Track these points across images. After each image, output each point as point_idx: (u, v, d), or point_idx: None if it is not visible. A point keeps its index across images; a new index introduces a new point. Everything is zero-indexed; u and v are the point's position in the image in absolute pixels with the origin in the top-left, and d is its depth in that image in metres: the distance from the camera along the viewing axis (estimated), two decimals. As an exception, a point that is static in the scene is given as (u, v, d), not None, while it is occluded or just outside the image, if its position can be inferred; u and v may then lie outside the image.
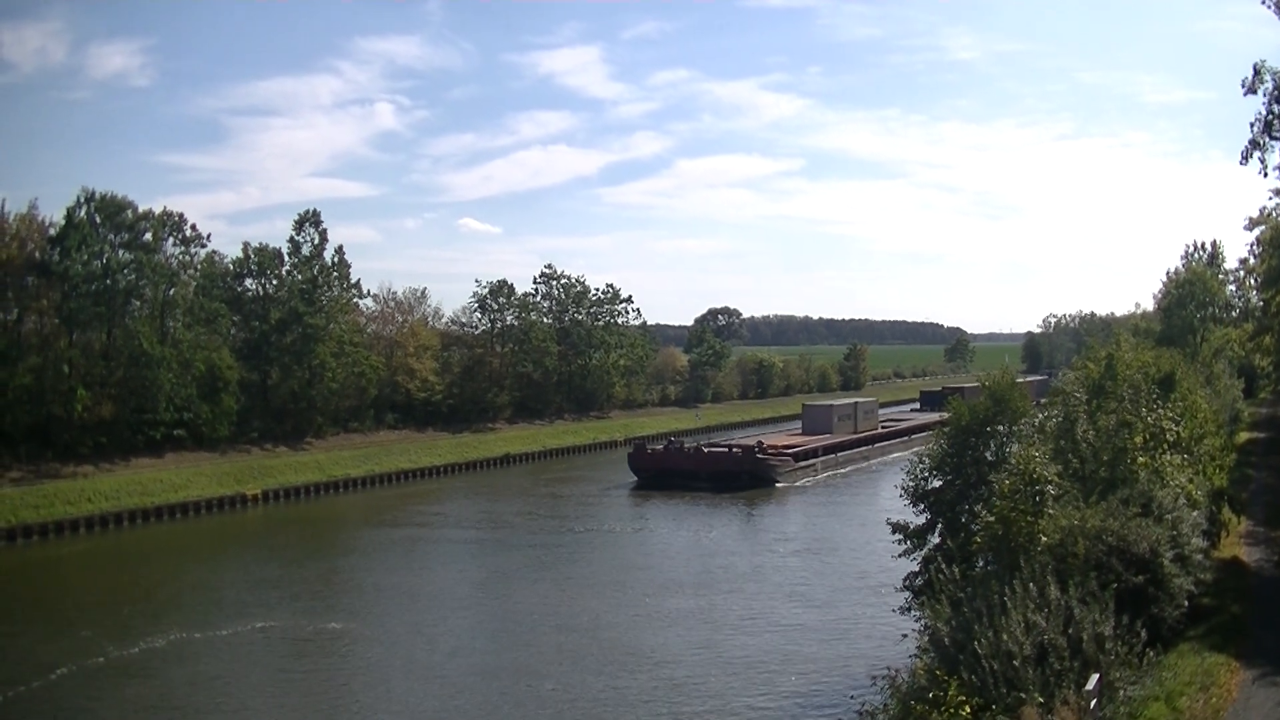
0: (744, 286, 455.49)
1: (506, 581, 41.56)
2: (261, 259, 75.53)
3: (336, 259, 79.20)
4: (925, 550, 24.86)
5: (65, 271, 59.62)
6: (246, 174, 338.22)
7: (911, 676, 15.90)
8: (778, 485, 66.18)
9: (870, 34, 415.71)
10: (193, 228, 67.62)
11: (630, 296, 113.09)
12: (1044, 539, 17.31)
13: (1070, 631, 14.50)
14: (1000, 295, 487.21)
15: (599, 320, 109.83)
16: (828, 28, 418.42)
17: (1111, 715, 14.12)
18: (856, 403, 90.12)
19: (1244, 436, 55.85)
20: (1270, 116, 24.84)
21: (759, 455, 67.63)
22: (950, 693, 13.39)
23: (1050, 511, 18.11)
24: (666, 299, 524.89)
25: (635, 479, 69.08)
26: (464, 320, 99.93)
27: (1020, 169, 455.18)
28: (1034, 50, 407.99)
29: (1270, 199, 45.93)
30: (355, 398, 79.07)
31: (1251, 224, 55.32)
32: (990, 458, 24.49)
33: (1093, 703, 13.37)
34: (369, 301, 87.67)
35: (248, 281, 75.83)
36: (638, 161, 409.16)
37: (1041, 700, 13.35)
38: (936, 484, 25.41)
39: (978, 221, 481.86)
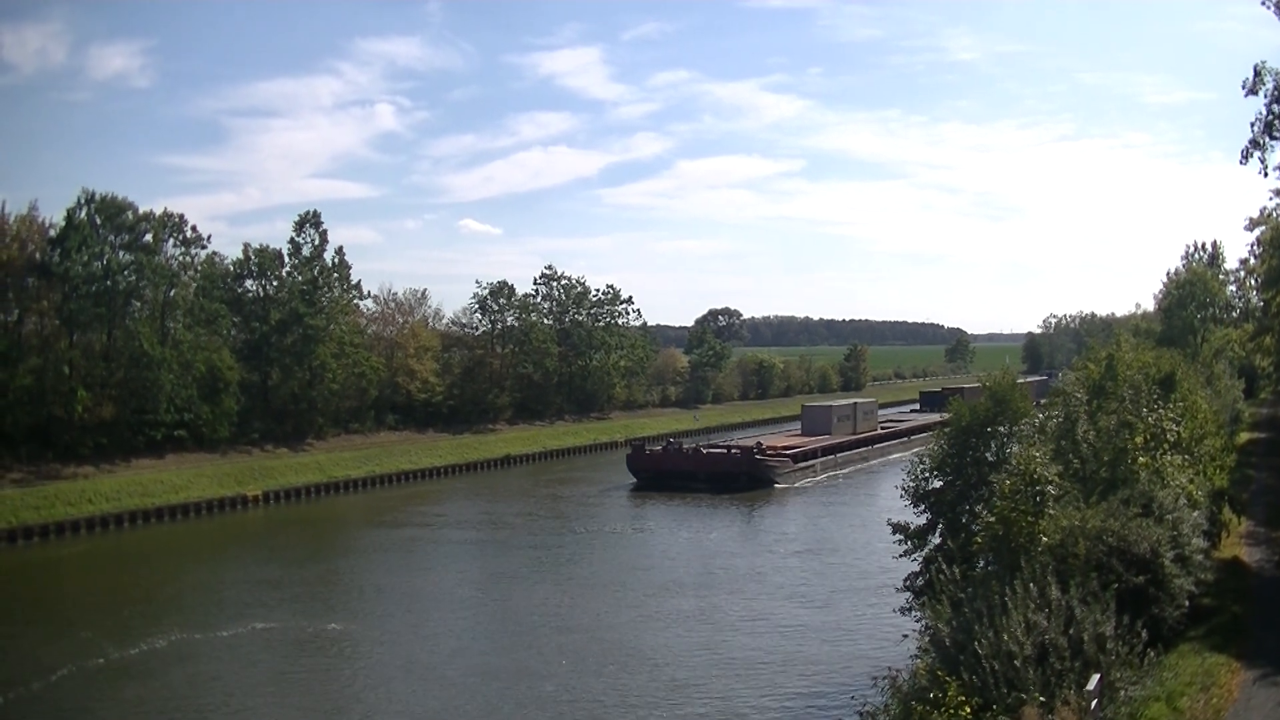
0: (744, 287, 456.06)
1: (507, 582, 41.56)
2: (262, 260, 75.58)
3: (337, 260, 79.30)
4: (926, 550, 24.85)
5: (66, 273, 59.66)
6: (247, 175, 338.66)
7: (912, 677, 15.89)
8: (776, 486, 66.08)
9: (871, 35, 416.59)
10: (193, 229, 67.78)
11: (631, 297, 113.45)
12: (1045, 539, 17.31)
13: (1071, 632, 14.49)
14: (1001, 296, 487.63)
15: (599, 321, 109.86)
16: (828, 28, 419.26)
17: (1112, 715, 14.11)
18: (856, 403, 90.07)
19: (1244, 437, 55.84)
20: (1270, 117, 24.83)
21: (758, 456, 67.57)
22: (951, 693, 13.39)
23: (1051, 512, 18.10)
24: (667, 300, 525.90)
25: (634, 480, 69.04)
26: (464, 321, 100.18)
27: (1021, 170, 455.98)
28: (1035, 51, 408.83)
29: (1270, 199, 45.97)
30: (356, 399, 79.11)
31: (1252, 224, 55.35)
32: (991, 458, 24.46)
33: (1093, 703, 13.36)
34: (369, 302, 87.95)
35: (248, 282, 75.88)
36: (638, 162, 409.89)
37: (1042, 700, 13.34)
38: (937, 484, 25.39)
39: (978, 222, 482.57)
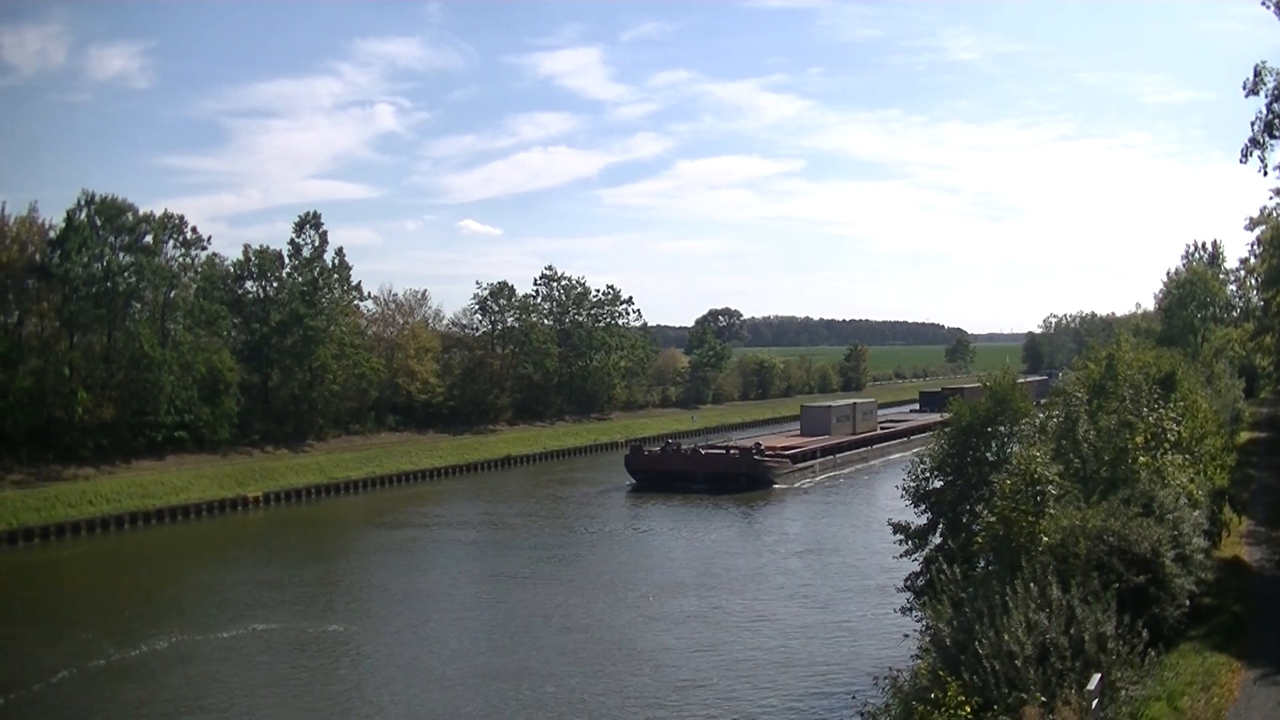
0: (744, 287, 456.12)
1: (507, 582, 41.55)
2: (262, 261, 75.61)
3: (337, 261, 79.34)
4: (926, 550, 24.84)
5: (66, 274, 59.69)
6: (247, 176, 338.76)
7: (913, 676, 15.89)
8: (775, 487, 65.94)
9: (871, 35, 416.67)
10: (193, 230, 67.86)
11: (631, 298, 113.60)
12: (1045, 539, 17.31)
13: (1072, 631, 14.50)
14: (1001, 296, 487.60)
15: (599, 322, 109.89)
16: (828, 28, 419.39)
17: (1113, 715, 14.12)
18: (855, 404, 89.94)
19: (1245, 436, 55.85)
20: (1271, 117, 24.83)
21: (756, 457, 67.46)
22: (951, 693, 13.39)
23: (1051, 511, 18.10)
24: (667, 300, 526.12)
25: (633, 481, 69.02)
26: (464, 322, 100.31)
27: (1021, 170, 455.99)
28: (1034, 51, 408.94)
29: (1270, 199, 46.00)
30: (356, 400, 79.14)
31: (1252, 224, 55.42)
32: (991, 458, 24.44)
33: (1094, 703, 13.36)
34: (369, 303, 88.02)
35: (248, 284, 75.92)
36: (638, 163, 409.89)
37: (1043, 700, 13.34)
38: (938, 484, 25.38)
39: (978, 222, 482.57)
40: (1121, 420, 23.46)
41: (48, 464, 57.34)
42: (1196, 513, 21.03)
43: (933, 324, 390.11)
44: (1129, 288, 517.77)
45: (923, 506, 25.61)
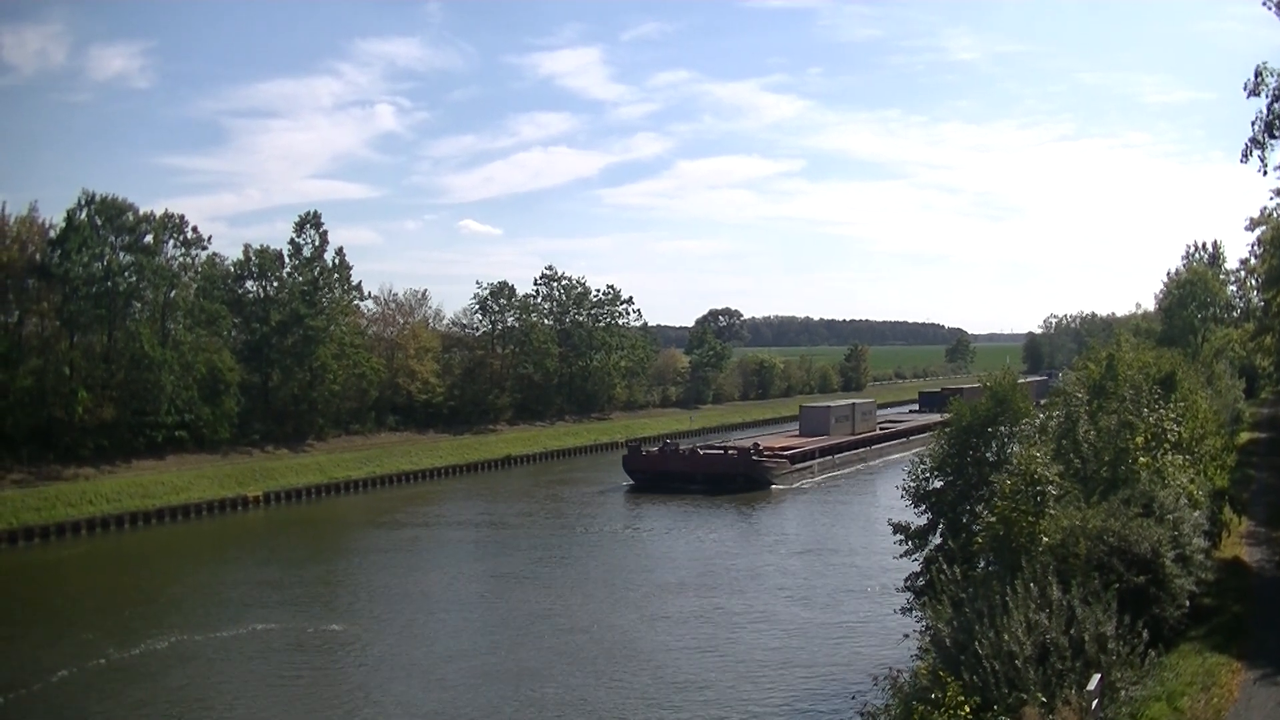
0: (745, 287, 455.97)
1: (507, 583, 41.54)
2: (262, 261, 75.65)
3: (337, 261, 79.40)
4: (927, 551, 24.84)
5: (66, 274, 59.71)
6: (247, 176, 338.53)
7: (913, 677, 15.91)
8: (773, 488, 65.75)
9: (871, 35, 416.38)
10: (193, 230, 67.92)
11: (631, 298, 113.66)
12: (1045, 539, 17.33)
13: (1072, 632, 14.51)
14: (1001, 296, 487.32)
15: (600, 321, 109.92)
16: (828, 28, 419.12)
17: (1113, 715, 14.12)
18: (854, 404, 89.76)
19: (1245, 437, 55.87)
20: (1271, 117, 24.78)
21: (754, 457, 67.27)
22: (951, 693, 13.40)
23: (1052, 512, 18.12)
24: (667, 300, 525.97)
25: (630, 481, 68.95)
26: (465, 322, 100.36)
27: (1021, 170, 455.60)
28: (1034, 51, 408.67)
29: (1271, 199, 45.94)
30: (356, 399, 79.18)
31: (1252, 224, 55.40)
32: (991, 458, 24.45)
33: (1094, 703, 13.37)
34: (370, 303, 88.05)
35: (248, 283, 75.97)
36: (638, 163, 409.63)
37: (1043, 700, 13.35)
38: (938, 484, 25.39)
39: (978, 222, 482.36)
40: (1122, 420, 23.47)
41: (48, 464, 57.36)
42: (1197, 513, 21.05)
43: (933, 324, 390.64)
44: (1129, 288, 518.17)
45: (923, 507, 25.62)
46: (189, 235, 67.45)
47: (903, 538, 25.45)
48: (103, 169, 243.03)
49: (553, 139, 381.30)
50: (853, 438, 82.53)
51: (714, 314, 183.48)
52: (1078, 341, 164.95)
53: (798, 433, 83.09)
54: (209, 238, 69.61)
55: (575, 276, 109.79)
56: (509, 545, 49.72)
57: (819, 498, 63.84)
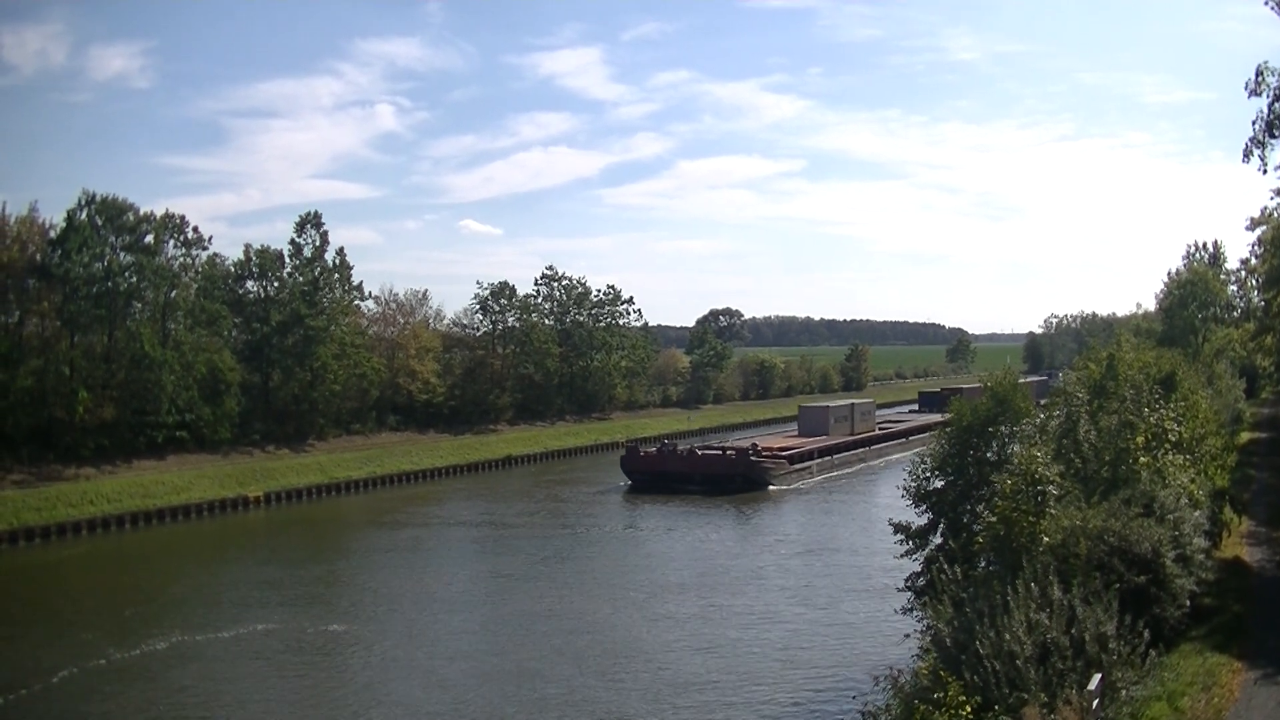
0: (745, 287, 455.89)
1: (508, 583, 41.56)
2: (263, 261, 75.66)
3: (338, 261, 79.42)
4: (927, 550, 24.85)
5: (66, 274, 59.72)
6: (247, 176, 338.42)
7: (914, 677, 15.91)
8: (772, 488, 65.59)
9: (871, 35, 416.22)
10: (194, 230, 67.98)
11: (631, 298, 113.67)
12: (1046, 539, 17.32)
13: (1072, 631, 14.50)
14: (1001, 296, 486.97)
15: (600, 321, 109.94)
16: (828, 28, 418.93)
17: (1114, 715, 14.12)
18: (853, 404, 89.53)
19: (1246, 437, 55.84)
20: (1272, 117, 24.75)
21: (753, 458, 67.10)
22: (952, 692, 13.39)
23: (1052, 512, 18.11)
24: (668, 300, 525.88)
25: (629, 482, 68.89)
26: (465, 322, 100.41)
27: (1021, 170, 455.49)
28: (1035, 51, 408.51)
29: (1271, 199, 45.99)
30: (357, 399, 79.20)
31: (1253, 224, 55.49)
32: (992, 458, 24.46)
33: (1095, 703, 13.37)
34: (370, 303, 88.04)
35: (249, 283, 76.00)
36: (638, 163, 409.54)
37: (1044, 700, 13.34)
38: (938, 484, 25.40)
39: (979, 222, 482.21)
40: (1122, 420, 23.47)
41: (48, 464, 57.38)
42: (1197, 513, 21.04)
43: (933, 324, 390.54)
44: (1129, 288, 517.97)
45: (923, 506, 25.63)
46: (189, 235, 67.56)
47: (903, 537, 25.47)
48: (103, 169, 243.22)
49: (553, 139, 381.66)
50: (852, 438, 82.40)
51: (714, 314, 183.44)
52: (1078, 341, 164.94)
53: (797, 433, 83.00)
54: (209, 238, 69.70)
55: (576, 276, 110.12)
56: (509, 545, 49.73)
57: (818, 498, 63.79)
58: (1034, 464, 18.49)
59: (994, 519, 18.15)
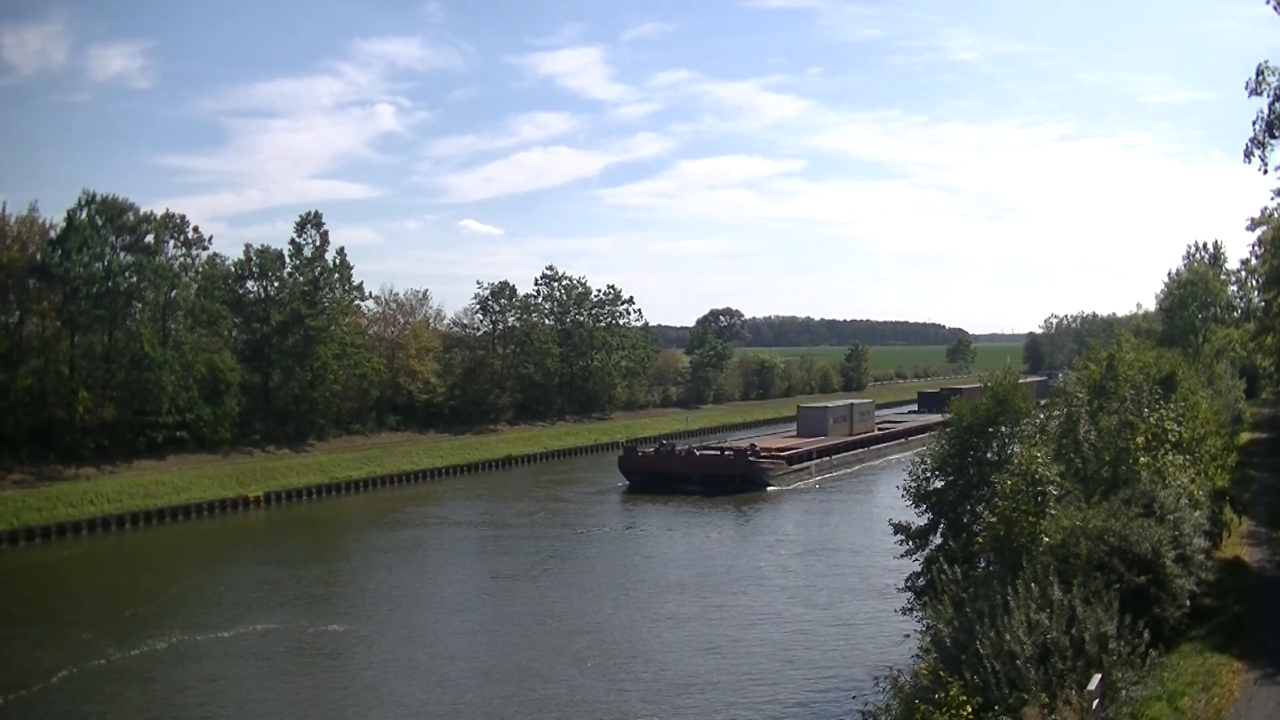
0: (745, 287, 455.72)
1: (508, 583, 41.55)
2: (263, 261, 75.67)
3: (338, 260, 79.44)
4: (927, 551, 24.84)
5: (66, 274, 59.72)
6: (247, 176, 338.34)
7: (914, 677, 15.90)
8: (770, 489, 65.47)
9: (871, 35, 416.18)
10: (194, 230, 67.94)
11: (631, 297, 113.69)
12: (1046, 539, 17.32)
13: (1073, 632, 14.50)
14: (1001, 296, 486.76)
15: (600, 321, 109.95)
16: (828, 28, 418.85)
17: (1114, 715, 14.12)
18: (852, 404, 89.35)
19: (1246, 437, 55.85)
20: (1272, 116, 24.73)
21: (751, 458, 66.98)
22: (953, 693, 13.38)
23: (1052, 512, 18.12)
24: (668, 300, 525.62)
25: (627, 482, 68.82)
26: (465, 322, 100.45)
27: (1021, 170, 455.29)
28: (1035, 51, 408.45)
29: (1272, 199, 45.96)
30: (357, 399, 79.21)
31: (1253, 224, 55.45)
32: (992, 458, 24.45)
33: (1095, 703, 13.36)
34: (370, 303, 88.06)
35: (249, 283, 76.02)
36: (639, 163, 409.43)
37: (1044, 700, 13.34)
38: (938, 484, 25.38)
39: (979, 222, 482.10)
40: (1122, 420, 23.47)
41: (49, 464, 57.38)
42: (1197, 513, 21.04)
43: (933, 324, 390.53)
44: (1129, 288, 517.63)
45: (923, 507, 25.62)
46: (189, 235, 67.53)
47: (903, 538, 25.46)
48: (103, 169, 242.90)
49: (553, 139, 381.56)
50: (850, 438, 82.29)
51: (715, 314, 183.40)
52: (1078, 341, 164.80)
53: (795, 433, 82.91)
54: (209, 238, 69.64)
55: (576, 276, 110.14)
56: (509, 545, 49.72)
57: (816, 498, 63.77)
58: (1034, 464, 18.49)
59: (994, 519, 18.15)
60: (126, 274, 63.00)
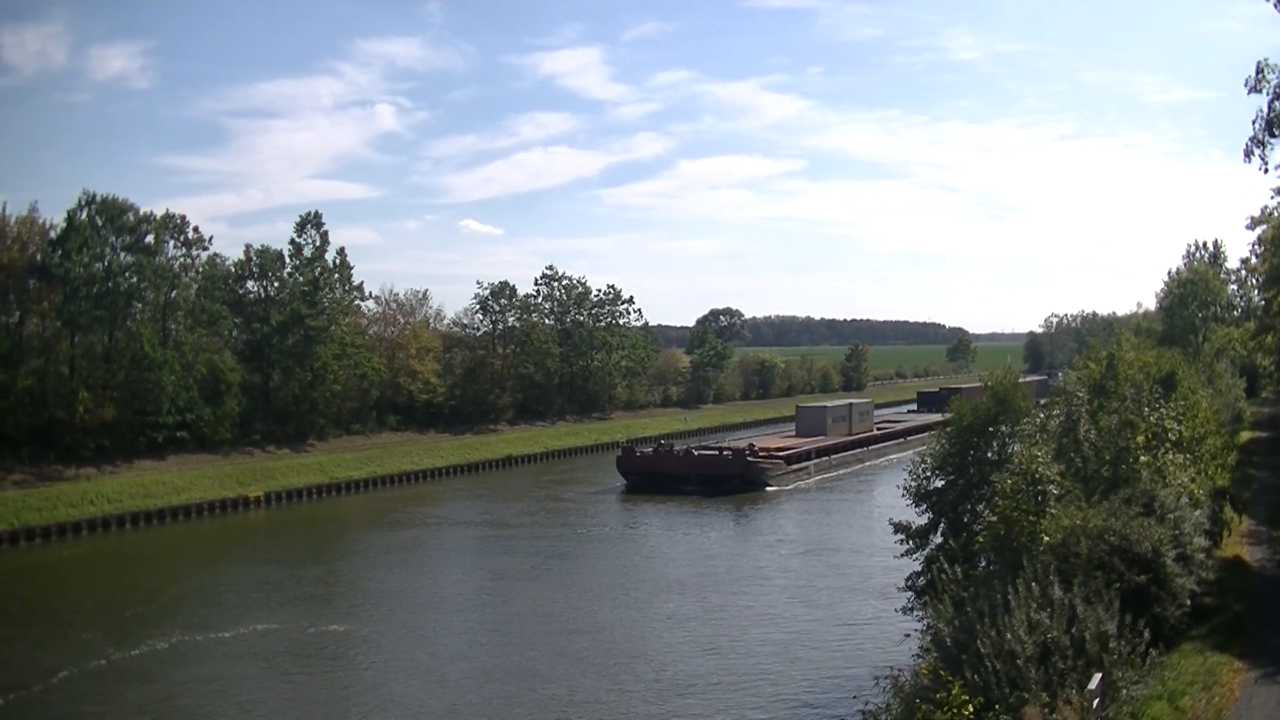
0: (745, 287, 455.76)
1: (508, 583, 41.54)
2: (263, 261, 75.66)
3: (338, 261, 79.41)
4: (928, 550, 24.84)
5: (66, 274, 59.70)
6: (247, 176, 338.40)
7: (914, 676, 15.89)
8: (769, 489, 65.36)
9: (871, 34, 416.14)
10: (194, 230, 67.86)
11: (632, 297, 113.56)
12: (1046, 538, 17.32)
13: (1073, 631, 14.50)
14: (1002, 295, 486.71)
15: (600, 321, 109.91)
16: (828, 28, 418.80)
17: (1114, 715, 14.11)
18: (851, 404, 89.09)
19: (1246, 436, 55.84)
20: (1272, 115, 24.70)
21: (750, 458, 66.85)
22: (953, 692, 13.37)
23: (1053, 511, 18.12)
24: (668, 300, 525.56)
25: (625, 483, 68.77)
26: (466, 322, 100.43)
27: (1022, 169, 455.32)
28: (1035, 50, 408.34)
29: (1272, 198, 45.98)
30: (357, 399, 79.20)
31: (1253, 223, 55.53)
32: (992, 457, 24.46)
33: (1095, 702, 13.36)
34: (370, 303, 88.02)
35: (249, 283, 75.99)
36: (639, 163, 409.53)
37: (1045, 700, 13.34)
38: (939, 484, 25.39)
39: (979, 222, 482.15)
40: (1122, 420, 23.48)
41: (49, 464, 57.38)
42: (1197, 512, 21.04)
43: (934, 324, 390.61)
44: (1129, 288, 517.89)
45: (924, 506, 25.62)
46: (190, 235, 67.46)
47: (904, 537, 25.45)
48: (103, 169, 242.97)
49: (553, 139, 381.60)
50: (850, 438, 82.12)
51: (715, 314, 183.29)
52: (1078, 341, 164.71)
53: (794, 433, 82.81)
54: (210, 238, 69.53)
55: (576, 276, 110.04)
56: (510, 545, 49.71)
57: (815, 498, 63.75)
58: (1034, 463, 18.49)
59: (994, 518, 18.15)
60: (127, 274, 62.99)
